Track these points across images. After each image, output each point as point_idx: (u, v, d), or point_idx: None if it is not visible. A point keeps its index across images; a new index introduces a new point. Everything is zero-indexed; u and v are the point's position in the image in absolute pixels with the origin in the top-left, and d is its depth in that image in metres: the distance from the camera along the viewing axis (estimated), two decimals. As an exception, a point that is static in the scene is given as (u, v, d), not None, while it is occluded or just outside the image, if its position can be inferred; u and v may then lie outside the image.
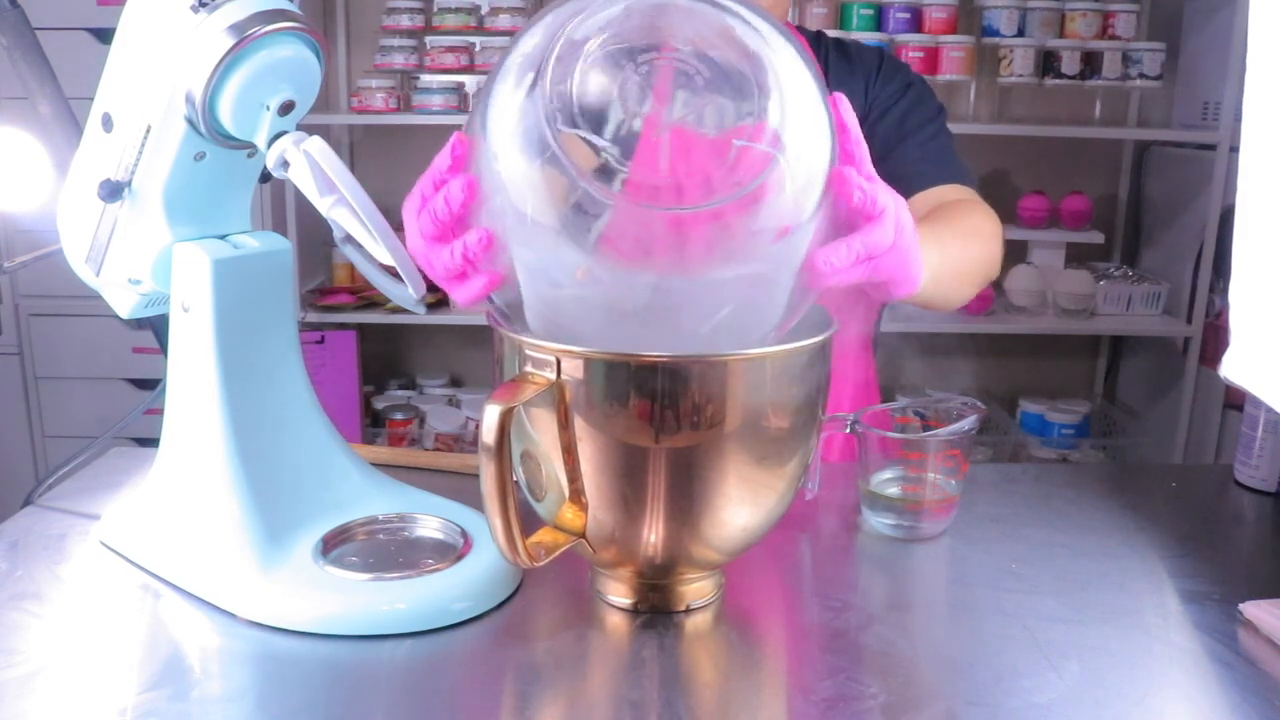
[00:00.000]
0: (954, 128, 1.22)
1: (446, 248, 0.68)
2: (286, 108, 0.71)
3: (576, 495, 0.67)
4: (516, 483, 0.66)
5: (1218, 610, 0.75)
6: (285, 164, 0.70)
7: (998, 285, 2.60)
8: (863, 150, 0.68)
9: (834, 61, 1.21)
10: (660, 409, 0.63)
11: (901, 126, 1.17)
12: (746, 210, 0.62)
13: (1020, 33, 2.53)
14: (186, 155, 0.72)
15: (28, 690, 0.63)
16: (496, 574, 0.74)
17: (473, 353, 2.92)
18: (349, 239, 0.73)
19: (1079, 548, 0.85)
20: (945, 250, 0.98)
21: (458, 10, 2.51)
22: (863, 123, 1.17)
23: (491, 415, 0.61)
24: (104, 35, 2.31)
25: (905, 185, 1.13)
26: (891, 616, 0.74)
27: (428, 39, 2.56)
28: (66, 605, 0.74)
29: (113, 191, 0.73)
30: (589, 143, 0.60)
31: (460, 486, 0.88)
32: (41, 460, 2.54)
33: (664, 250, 0.62)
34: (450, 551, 0.76)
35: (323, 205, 0.71)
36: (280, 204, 2.44)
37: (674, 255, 0.62)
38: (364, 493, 0.81)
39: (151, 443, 0.82)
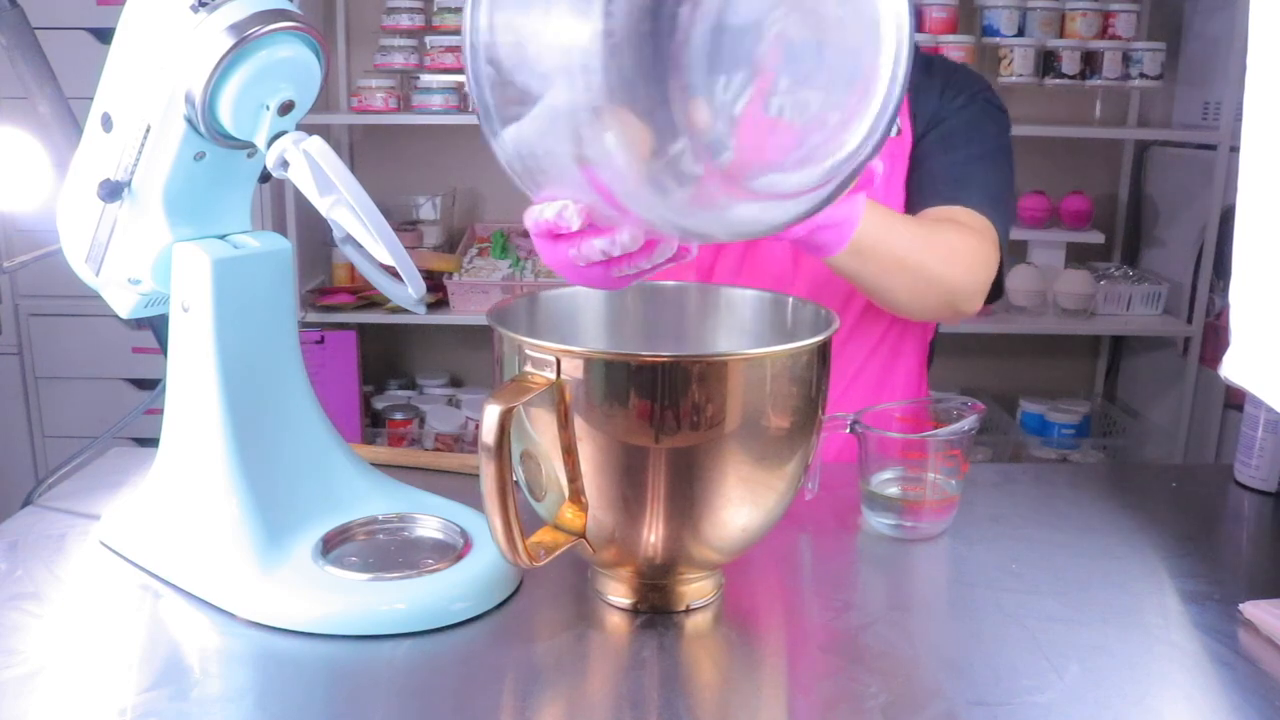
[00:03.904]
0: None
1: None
2: (286, 108, 0.71)
3: (576, 495, 0.67)
4: (516, 483, 0.66)
5: (1218, 610, 0.75)
6: (285, 164, 0.70)
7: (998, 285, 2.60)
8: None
9: (916, 72, 1.19)
10: (660, 409, 0.63)
11: (945, 140, 1.14)
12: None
13: (1020, 33, 2.53)
14: (186, 155, 0.72)
15: (28, 690, 0.63)
16: (496, 574, 0.74)
17: (473, 353, 2.92)
18: (349, 239, 0.73)
19: (1079, 548, 0.85)
20: (891, 229, 0.97)
21: (458, 10, 2.51)
22: (925, 134, 1.15)
23: (491, 415, 0.61)
24: (104, 35, 2.31)
25: (920, 198, 1.12)
26: (891, 616, 0.74)
27: (428, 39, 2.56)
28: (66, 605, 0.74)
29: (112, 191, 0.73)
30: None
31: (460, 486, 0.88)
32: (41, 460, 2.54)
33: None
34: (450, 551, 0.76)
35: (323, 205, 0.71)
36: (280, 204, 2.44)
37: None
38: (364, 493, 0.81)
39: (151, 443, 0.82)
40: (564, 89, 0.56)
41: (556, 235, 0.65)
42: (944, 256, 1.03)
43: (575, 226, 0.62)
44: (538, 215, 0.64)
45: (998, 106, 1.19)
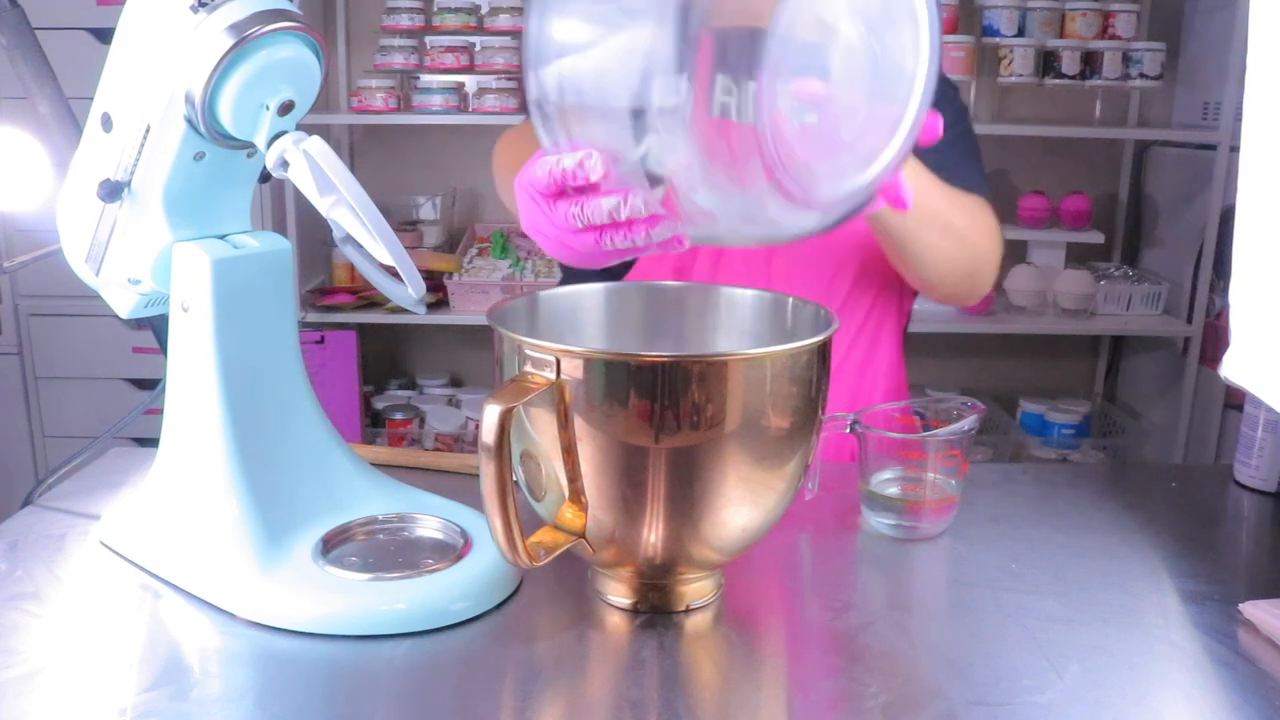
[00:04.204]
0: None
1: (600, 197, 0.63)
2: (286, 108, 0.71)
3: (576, 495, 0.67)
4: (516, 483, 0.66)
5: (1218, 610, 0.75)
6: (285, 164, 0.70)
7: (998, 285, 2.60)
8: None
9: None
10: (660, 409, 0.63)
11: None
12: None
13: (1020, 33, 2.54)
14: (186, 155, 0.72)
15: (28, 690, 0.63)
16: (496, 574, 0.74)
17: (473, 353, 2.92)
18: (349, 239, 0.73)
19: (1079, 548, 0.85)
20: (930, 180, 0.97)
21: (458, 10, 2.51)
22: None
23: (491, 415, 0.61)
24: (104, 35, 2.31)
25: None
26: (891, 616, 0.74)
27: (428, 39, 2.56)
28: (66, 605, 0.74)
29: (112, 191, 0.73)
30: None
31: (460, 486, 0.88)
32: (41, 460, 2.54)
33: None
34: (450, 551, 0.76)
35: (323, 205, 0.71)
36: (280, 204, 2.44)
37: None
38: (364, 493, 0.81)
39: (151, 443, 0.82)
40: (652, 23, 0.57)
41: (558, 193, 0.64)
42: (972, 219, 1.03)
43: (596, 176, 0.61)
44: (553, 164, 0.62)
45: (952, 85, 1.20)
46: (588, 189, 0.63)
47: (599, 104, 0.61)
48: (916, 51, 0.62)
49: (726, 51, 0.56)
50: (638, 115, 0.59)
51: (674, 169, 0.59)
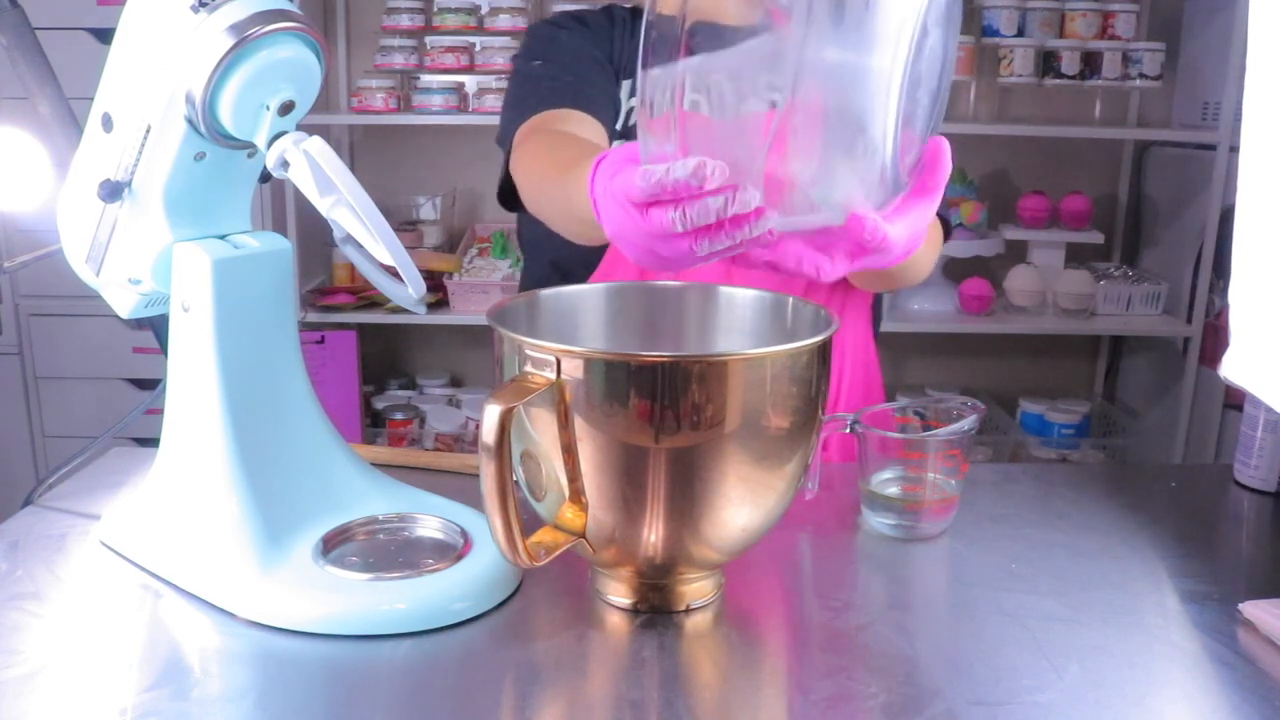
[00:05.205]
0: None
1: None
2: (286, 108, 0.71)
3: (576, 495, 0.67)
4: (516, 483, 0.66)
5: (1218, 610, 0.75)
6: (285, 164, 0.70)
7: (998, 285, 2.60)
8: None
9: None
10: (660, 409, 0.63)
11: None
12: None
13: (1020, 33, 2.54)
14: (186, 155, 0.72)
15: (28, 690, 0.63)
16: (496, 574, 0.74)
17: (473, 353, 2.92)
18: (349, 239, 0.73)
19: (1079, 548, 0.85)
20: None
21: (458, 10, 2.51)
22: None
23: (491, 415, 0.61)
24: (104, 35, 2.31)
25: None
26: (891, 616, 0.74)
27: (428, 39, 2.57)
28: (66, 605, 0.74)
29: (113, 191, 0.73)
30: None
31: (460, 486, 0.88)
32: (41, 460, 2.54)
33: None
34: (450, 551, 0.76)
35: (323, 205, 0.71)
36: (280, 204, 2.44)
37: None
38: (364, 493, 0.81)
39: (151, 443, 0.82)
40: (801, 23, 0.58)
41: (654, 201, 0.62)
42: (935, 232, 1.06)
43: (716, 182, 0.59)
44: (661, 175, 0.59)
45: None
46: (690, 193, 0.61)
47: (730, 103, 0.60)
48: (945, 49, 0.65)
49: (870, 50, 0.58)
50: (771, 113, 0.59)
51: (801, 165, 0.60)
